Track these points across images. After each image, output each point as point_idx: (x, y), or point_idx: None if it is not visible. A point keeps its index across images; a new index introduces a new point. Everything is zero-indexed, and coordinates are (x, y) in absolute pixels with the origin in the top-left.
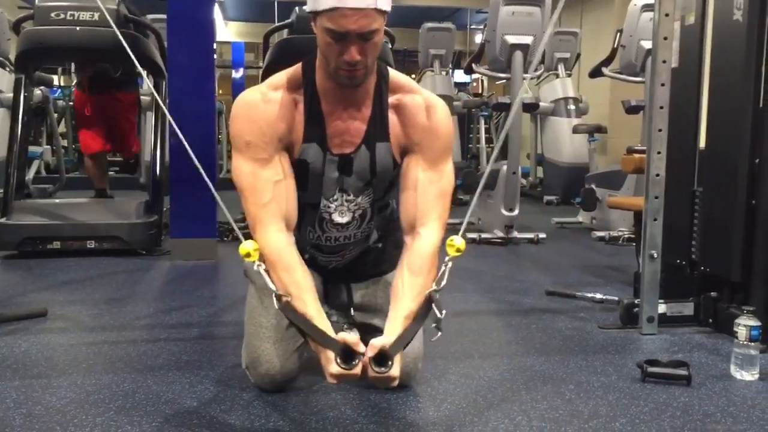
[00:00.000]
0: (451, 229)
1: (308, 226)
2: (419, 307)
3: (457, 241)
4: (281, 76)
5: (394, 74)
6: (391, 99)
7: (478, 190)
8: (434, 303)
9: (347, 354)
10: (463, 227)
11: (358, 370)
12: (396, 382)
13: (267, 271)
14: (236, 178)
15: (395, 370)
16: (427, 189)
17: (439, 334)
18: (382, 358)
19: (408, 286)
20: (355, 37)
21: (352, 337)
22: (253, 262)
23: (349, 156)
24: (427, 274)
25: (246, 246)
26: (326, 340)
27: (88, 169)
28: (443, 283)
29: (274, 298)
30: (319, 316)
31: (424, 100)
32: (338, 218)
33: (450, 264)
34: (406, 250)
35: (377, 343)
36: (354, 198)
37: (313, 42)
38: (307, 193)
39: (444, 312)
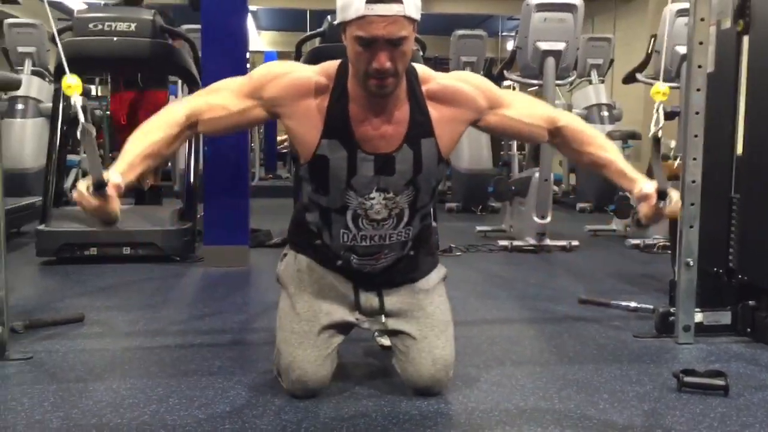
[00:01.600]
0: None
1: (341, 229)
2: (653, 151)
3: (662, 87)
4: (318, 66)
5: (420, 68)
6: (425, 90)
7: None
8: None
9: (101, 188)
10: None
11: (93, 201)
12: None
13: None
14: (223, 80)
15: (675, 195)
16: (522, 113)
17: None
18: (661, 195)
19: (600, 151)
20: (383, 43)
21: (116, 179)
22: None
23: (390, 155)
24: (598, 135)
25: (68, 80)
26: (95, 166)
27: None
28: (661, 123)
29: (81, 125)
30: (125, 157)
31: (454, 78)
32: (374, 215)
33: (661, 110)
34: (566, 140)
35: (650, 189)
36: (394, 197)
37: (345, 50)
38: (330, 197)
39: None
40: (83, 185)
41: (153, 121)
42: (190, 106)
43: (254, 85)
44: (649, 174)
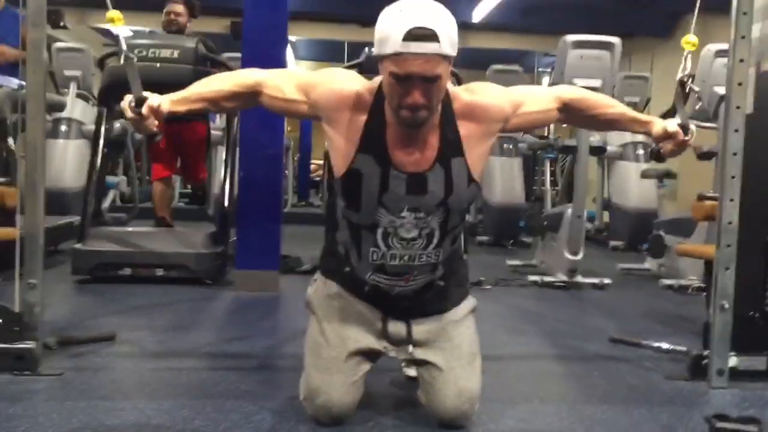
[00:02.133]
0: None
1: (371, 247)
2: (677, 94)
3: (692, 38)
4: (367, 81)
5: (448, 87)
6: (455, 108)
7: None
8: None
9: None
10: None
11: (132, 113)
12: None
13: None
14: (291, 70)
15: (694, 127)
16: (535, 105)
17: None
18: (684, 129)
19: (609, 109)
20: (418, 80)
21: (154, 99)
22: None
23: (422, 175)
24: (604, 97)
25: (111, 12)
26: (136, 86)
27: (154, 194)
28: (688, 68)
29: (124, 53)
30: (179, 92)
31: (477, 91)
32: (404, 233)
33: (689, 56)
34: (575, 111)
35: (672, 127)
36: (425, 217)
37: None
38: (361, 212)
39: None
40: (127, 100)
41: (225, 75)
42: (262, 77)
43: (309, 83)
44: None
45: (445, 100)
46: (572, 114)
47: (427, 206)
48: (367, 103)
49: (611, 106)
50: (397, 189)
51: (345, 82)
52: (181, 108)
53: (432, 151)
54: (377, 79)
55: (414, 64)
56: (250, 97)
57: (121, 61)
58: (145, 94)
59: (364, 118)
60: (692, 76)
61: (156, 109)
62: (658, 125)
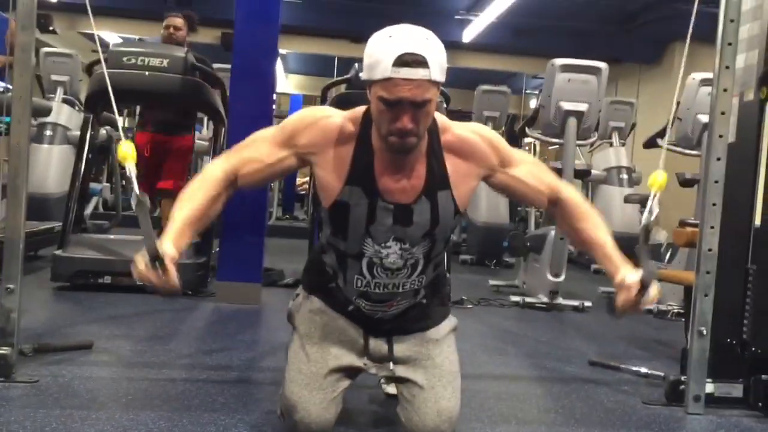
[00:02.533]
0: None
1: (356, 275)
2: (641, 240)
3: (660, 177)
4: (345, 112)
5: (438, 117)
6: (443, 140)
7: None
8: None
9: (161, 263)
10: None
11: (154, 275)
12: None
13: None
14: (254, 133)
15: (654, 290)
16: (531, 176)
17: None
18: (644, 286)
19: (593, 230)
20: (407, 105)
21: (171, 252)
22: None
23: (408, 206)
24: (594, 215)
25: (124, 148)
26: (150, 241)
27: (162, 212)
28: (655, 211)
29: (135, 195)
30: (174, 227)
31: (470, 130)
32: (389, 264)
33: (656, 198)
34: (562, 214)
35: (634, 279)
36: (410, 248)
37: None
38: (348, 242)
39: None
40: (141, 262)
41: (194, 185)
42: (228, 164)
43: (288, 134)
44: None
45: (433, 128)
46: (560, 213)
47: (412, 237)
48: (352, 133)
49: (598, 228)
50: (384, 220)
51: (324, 117)
52: (185, 241)
53: (419, 180)
54: (359, 109)
55: (404, 90)
56: (229, 188)
57: (133, 204)
58: (169, 253)
59: (350, 148)
60: (678, 103)
61: (175, 259)
62: (621, 273)
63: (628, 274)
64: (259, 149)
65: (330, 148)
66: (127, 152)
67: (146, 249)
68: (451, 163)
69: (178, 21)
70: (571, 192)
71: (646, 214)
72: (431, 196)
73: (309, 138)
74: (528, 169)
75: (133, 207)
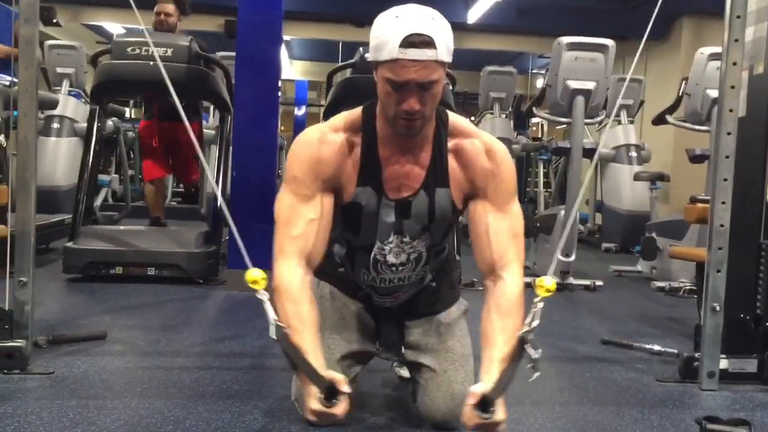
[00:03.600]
0: None
1: (362, 269)
2: (513, 351)
3: (547, 282)
4: (341, 118)
5: (453, 118)
6: (451, 144)
7: None
8: (528, 344)
9: (332, 392)
10: (551, 268)
11: (338, 409)
12: (504, 428)
13: (271, 300)
14: (276, 207)
15: (499, 415)
16: (499, 232)
17: (537, 374)
18: (485, 403)
19: (499, 330)
20: (414, 86)
21: (339, 376)
22: (258, 290)
23: (407, 200)
24: (516, 316)
25: (253, 273)
26: (314, 375)
27: (147, 196)
28: (535, 323)
29: (273, 327)
30: (313, 352)
31: (483, 144)
32: (393, 259)
33: (541, 304)
34: (489, 294)
35: (477, 390)
36: (410, 241)
37: (375, 83)
38: (360, 236)
39: (539, 351)
40: (315, 403)
41: (289, 301)
42: (296, 255)
43: (309, 176)
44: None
45: (440, 127)
46: (487, 290)
47: (411, 231)
48: (356, 136)
49: (506, 331)
50: (386, 217)
51: (324, 141)
52: (310, 334)
53: (421, 170)
54: (353, 113)
55: (411, 71)
56: (313, 272)
57: (272, 335)
58: (338, 378)
59: (358, 154)
60: (685, 78)
61: (350, 390)
62: (478, 386)
63: (477, 385)
64: (303, 212)
65: (344, 163)
66: (256, 277)
67: (315, 384)
68: (453, 167)
69: (169, 7)
70: (515, 278)
71: (527, 321)
72: (430, 192)
73: (311, 171)
74: (504, 222)
75: (273, 336)
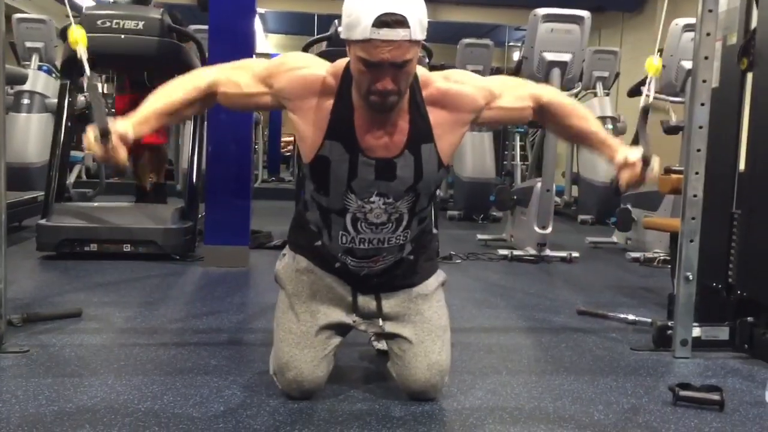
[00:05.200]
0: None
1: (340, 230)
2: (640, 121)
3: (656, 61)
4: (331, 65)
5: (419, 70)
6: (426, 93)
7: None
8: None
9: (105, 134)
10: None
11: (99, 147)
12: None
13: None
14: (250, 60)
15: (656, 167)
16: (512, 100)
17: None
18: (645, 161)
19: (583, 122)
20: (388, 66)
21: (122, 129)
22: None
23: (391, 161)
24: (580, 108)
25: (75, 33)
26: (101, 117)
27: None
28: (653, 95)
29: (86, 77)
30: (135, 114)
31: (451, 79)
32: (373, 218)
33: (653, 80)
34: (549, 114)
35: (633, 156)
36: (394, 202)
37: None
38: (330, 197)
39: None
40: (91, 134)
41: (177, 82)
42: (214, 77)
43: (269, 72)
44: (635, 143)
45: (415, 87)
46: (546, 117)
47: (395, 192)
48: (332, 87)
49: (586, 119)
50: (366, 175)
51: (308, 67)
52: (146, 129)
53: (401, 135)
54: (341, 62)
55: (384, 51)
56: (207, 99)
57: (84, 85)
58: (109, 123)
59: (330, 103)
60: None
61: (124, 137)
62: (621, 153)
63: (630, 153)
64: (243, 76)
65: (308, 99)
66: (77, 37)
67: (96, 123)
68: (435, 116)
69: None
70: (552, 93)
71: (644, 96)
72: (415, 150)
73: (286, 83)
74: (510, 93)
75: (84, 88)
